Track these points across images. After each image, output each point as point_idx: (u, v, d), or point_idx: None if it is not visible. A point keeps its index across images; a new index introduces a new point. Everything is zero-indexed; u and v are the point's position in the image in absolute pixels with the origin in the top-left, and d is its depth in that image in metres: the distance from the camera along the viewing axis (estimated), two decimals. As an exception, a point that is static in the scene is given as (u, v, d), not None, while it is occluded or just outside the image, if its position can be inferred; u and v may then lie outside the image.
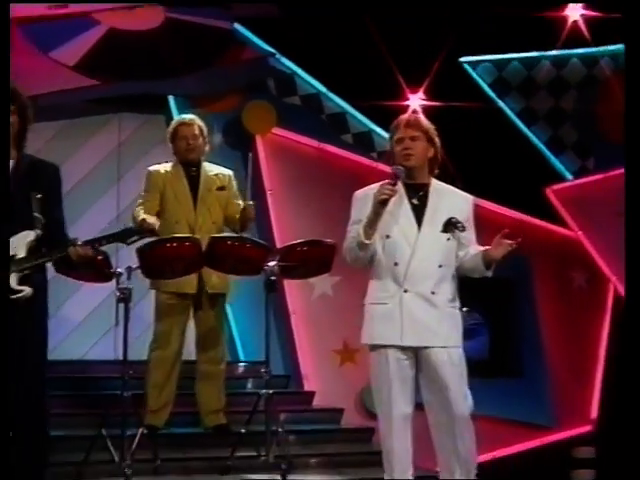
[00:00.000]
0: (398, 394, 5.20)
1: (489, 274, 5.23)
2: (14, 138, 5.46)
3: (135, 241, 5.55)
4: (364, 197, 5.21)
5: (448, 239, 5.19)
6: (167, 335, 6.89)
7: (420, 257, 5.15)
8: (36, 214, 5.34)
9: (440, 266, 5.19)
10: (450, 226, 5.16)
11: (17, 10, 7.84)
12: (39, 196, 5.39)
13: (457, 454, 5.30)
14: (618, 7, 8.25)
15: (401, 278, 5.16)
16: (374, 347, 5.26)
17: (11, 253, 5.27)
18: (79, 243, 5.27)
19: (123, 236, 5.49)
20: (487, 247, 5.15)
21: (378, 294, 5.28)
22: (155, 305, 6.94)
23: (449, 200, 5.29)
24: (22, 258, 5.29)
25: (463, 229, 5.18)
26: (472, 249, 5.23)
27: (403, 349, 5.17)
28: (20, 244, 5.31)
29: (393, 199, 5.10)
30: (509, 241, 5.06)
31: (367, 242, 5.10)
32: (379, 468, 5.80)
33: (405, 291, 5.16)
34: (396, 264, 5.17)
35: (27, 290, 5.26)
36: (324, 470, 6.67)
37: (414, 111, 8.33)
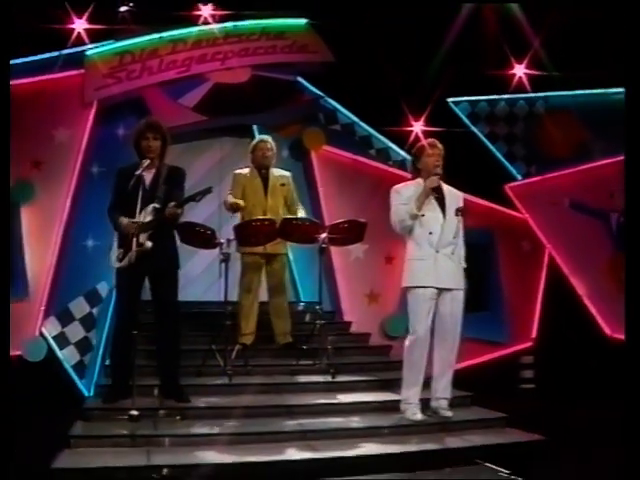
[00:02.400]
0: (425, 318, 5.36)
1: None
2: (158, 155, 5.57)
3: (201, 199, 5.38)
4: (403, 188, 5.53)
5: (458, 221, 5.47)
6: (248, 284, 6.88)
7: (445, 231, 5.40)
8: (159, 194, 5.40)
9: (454, 237, 5.45)
10: (458, 212, 5.46)
11: (156, 77, 8.03)
12: (164, 187, 5.45)
13: (449, 361, 5.49)
14: (545, 67, 8.67)
15: (435, 243, 5.37)
16: (414, 288, 5.40)
17: (142, 220, 5.30)
18: (171, 206, 5.30)
19: (194, 197, 5.36)
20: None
21: (416, 253, 5.44)
22: (241, 264, 6.92)
23: (453, 196, 5.59)
24: (147, 222, 5.34)
25: (464, 215, 5.49)
26: None
27: (433, 289, 5.36)
28: (147, 213, 5.35)
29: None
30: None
31: (418, 213, 5.37)
32: (394, 372, 6.07)
33: (437, 252, 5.38)
34: (431, 233, 5.38)
35: (149, 244, 5.29)
36: (358, 373, 6.62)
37: (417, 135, 8.34)
